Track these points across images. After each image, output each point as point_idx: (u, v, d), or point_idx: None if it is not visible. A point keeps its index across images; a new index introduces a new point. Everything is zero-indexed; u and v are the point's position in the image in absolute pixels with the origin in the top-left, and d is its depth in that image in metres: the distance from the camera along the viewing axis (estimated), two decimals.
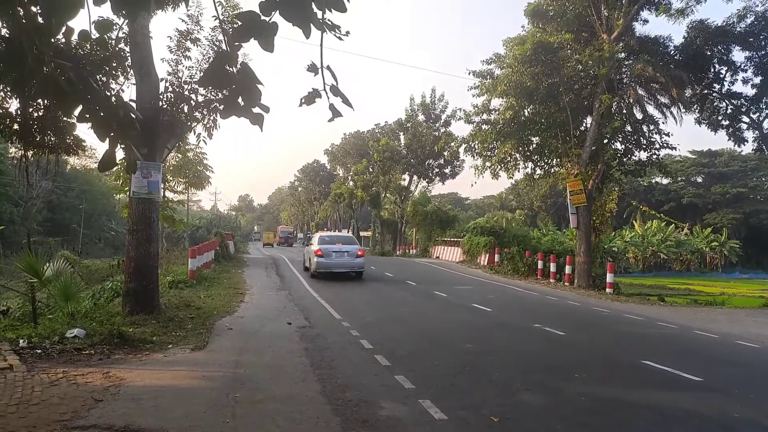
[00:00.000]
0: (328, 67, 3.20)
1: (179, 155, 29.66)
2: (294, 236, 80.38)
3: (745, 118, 22.62)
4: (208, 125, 11.11)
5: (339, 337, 9.75)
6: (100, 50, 5.27)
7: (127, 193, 12.43)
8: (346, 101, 3.22)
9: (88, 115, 3.59)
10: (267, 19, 3.37)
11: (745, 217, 66.31)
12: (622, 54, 21.80)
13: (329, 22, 3.61)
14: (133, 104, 9.77)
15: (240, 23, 3.43)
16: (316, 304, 13.87)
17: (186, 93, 10.86)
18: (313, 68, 3.20)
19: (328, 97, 3.21)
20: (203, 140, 11.58)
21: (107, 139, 3.63)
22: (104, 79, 7.19)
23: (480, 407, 6.06)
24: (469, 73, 22.89)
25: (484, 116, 23.43)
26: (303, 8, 3.46)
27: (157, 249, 10.82)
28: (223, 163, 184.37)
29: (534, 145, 23.61)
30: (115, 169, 15.21)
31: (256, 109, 3.58)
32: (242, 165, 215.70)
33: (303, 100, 3.30)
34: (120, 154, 4.44)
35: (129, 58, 10.07)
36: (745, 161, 68.45)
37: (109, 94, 4.84)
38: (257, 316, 11.80)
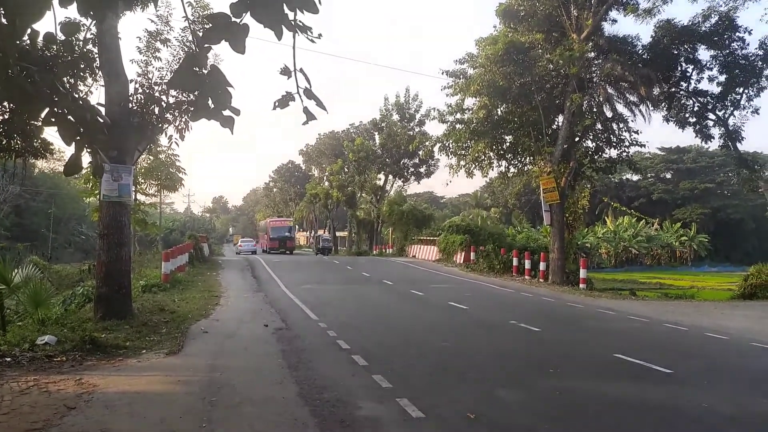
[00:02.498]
0: (301, 70, 3.19)
1: (151, 157, 29.20)
2: (293, 236, 57.05)
3: (712, 116, 23.19)
4: (179, 127, 10.97)
5: (316, 338, 9.73)
6: (66, 52, 5.17)
7: (98, 197, 12.21)
8: (320, 104, 3.22)
9: (53, 119, 3.53)
10: (238, 20, 3.34)
11: (713, 212, 67.96)
12: (592, 53, 22.16)
13: (301, 24, 3.61)
14: (102, 107, 9.62)
15: (210, 25, 3.40)
16: (292, 306, 13.80)
17: (156, 94, 10.71)
18: (286, 71, 3.19)
19: (302, 100, 3.20)
20: (175, 142, 11.44)
21: (73, 142, 3.57)
22: (72, 81, 7.05)
23: (457, 404, 6.11)
24: (442, 73, 23.07)
25: (458, 115, 23.64)
26: (274, 10, 3.45)
27: (129, 253, 10.66)
28: (196, 165, 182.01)
29: (507, 144, 23.87)
30: (84, 172, 14.92)
31: (227, 112, 3.55)
32: (216, 166, 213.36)
33: (276, 104, 3.29)
34: (87, 157, 4.38)
35: (97, 59, 9.89)
36: (712, 157, 70.15)
37: (76, 96, 4.76)
38: (233, 318, 11.69)
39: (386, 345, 9.48)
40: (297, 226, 63.14)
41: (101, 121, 3.84)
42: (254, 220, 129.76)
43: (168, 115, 10.76)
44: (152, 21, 11.54)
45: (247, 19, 3.40)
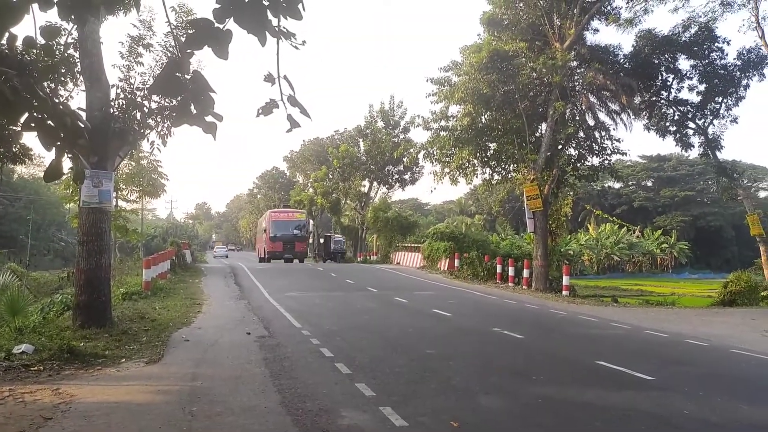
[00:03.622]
0: (285, 77, 3.17)
1: (132, 163, 28.91)
2: (305, 235, 42.78)
3: (692, 124, 23.60)
4: (162, 132, 10.85)
5: (299, 346, 9.65)
6: (47, 57, 5.09)
7: (77, 203, 12.03)
8: (303, 111, 3.20)
9: (33, 124, 3.47)
10: (221, 26, 3.32)
11: (693, 219, 68.93)
12: (574, 62, 22.42)
13: (285, 30, 3.59)
14: (83, 112, 9.49)
15: (193, 30, 3.37)
16: (276, 313, 13.69)
17: (138, 99, 10.60)
18: (270, 78, 3.17)
19: (286, 108, 3.18)
20: (157, 148, 11.32)
21: (53, 148, 3.51)
22: (52, 85, 6.96)
23: (440, 413, 6.08)
24: (427, 80, 23.16)
25: (442, 123, 23.74)
26: (258, 16, 3.43)
27: (109, 260, 10.51)
28: (179, 171, 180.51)
29: (491, 151, 24.01)
30: (63, 178, 14.70)
31: (209, 118, 3.51)
32: (199, 172, 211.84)
33: (260, 111, 3.26)
34: (68, 163, 4.31)
35: (79, 64, 9.77)
36: (692, 165, 71.20)
37: (56, 101, 4.68)
38: (215, 326, 11.56)
39: (370, 353, 9.43)
40: (311, 221, 43.90)
41: (82, 126, 3.78)
42: (237, 227, 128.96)
43: (150, 120, 10.65)
44: (134, 26, 11.45)
45: (231, 24, 3.39)
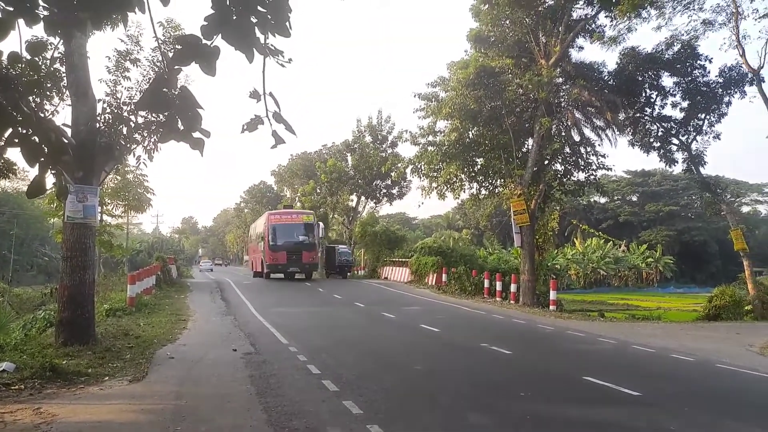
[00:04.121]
0: (271, 94, 3.17)
1: (118, 177, 28.67)
2: (314, 243, 32.52)
3: (675, 140, 23.89)
4: (148, 147, 10.79)
5: (286, 363, 9.55)
6: (32, 72, 5.05)
7: (62, 218, 11.88)
8: (289, 128, 3.19)
9: (17, 139, 3.43)
10: (209, 42, 3.32)
11: (678, 234, 69.67)
12: (560, 79, 22.69)
13: (272, 47, 3.60)
14: (68, 128, 9.41)
15: (180, 47, 3.37)
16: (262, 329, 13.57)
17: (125, 114, 10.55)
18: (255, 95, 3.17)
19: (271, 124, 3.17)
20: (143, 163, 11.24)
21: (37, 164, 3.47)
22: (37, 100, 6.90)
23: (428, 430, 6.03)
24: (414, 96, 23.33)
25: (430, 138, 23.89)
26: (246, 33, 3.44)
27: (93, 276, 10.37)
28: (165, 185, 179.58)
29: (479, 166, 24.15)
30: (47, 193, 14.54)
31: (197, 134, 3.50)
32: (186, 186, 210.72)
33: (245, 127, 3.26)
34: (51, 178, 4.26)
35: (65, 78, 9.71)
36: (676, 181, 72.15)
37: (42, 116, 4.63)
38: (200, 343, 11.42)
39: (357, 369, 9.35)
40: (320, 224, 34.96)
41: (67, 141, 3.74)
42: (224, 242, 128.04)
43: (136, 135, 10.59)
44: (122, 40, 11.42)
45: (219, 41, 3.39)
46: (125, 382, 7.99)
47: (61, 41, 8.36)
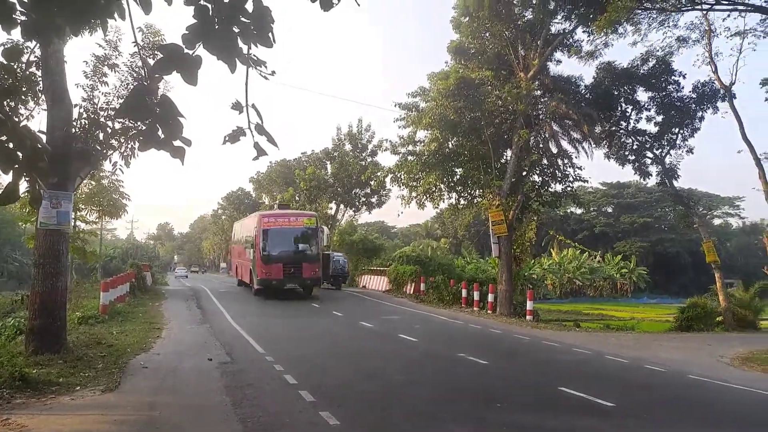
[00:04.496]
0: (253, 106, 3.16)
1: (93, 182, 28.17)
2: (316, 254, 25.41)
3: (650, 154, 24.37)
4: (125, 153, 10.65)
5: (262, 373, 9.46)
6: (7, 76, 4.97)
7: (34, 223, 11.65)
8: (271, 140, 3.19)
9: None
10: (190, 52, 3.30)
11: (652, 245, 70.94)
12: (538, 92, 23.04)
13: (255, 58, 3.59)
14: (43, 135, 9.24)
15: (162, 55, 3.34)
16: (239, 338, 13.42)
17: (102, 120, 10.40)
18: (237, 106, 3.16)
19: (253, 136, 3.16)
20: (120, 169, 11.08)
21: (11, 171, 3.41)
22: (12, 104, 6.77)
23: None
24: (395, 105, 23.46)
25: (410, 147, 24.02)
26: (228, 42, 3.43)
27: (65, 283, 10.17)
28: (141, 190, 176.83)
29: (458, 176, 24.33)
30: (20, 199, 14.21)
31: (177, 142, 3.47)
32: (162, 192, 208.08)
33: (227, 138, 3.24)
34: (25, 184, 4.18)
35: (41, 82, 9.55)
36: (651, 193, 73.53)
37: (17, 121, 4.54)
38: (175, 352, 11.26)
39: (335, 379, 9.31)
40: (324, 229, 29.42)
41: (42, 147, 3.68)
42: (201, 248, 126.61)
43: (113, 141, 10.45)
44: (100, 45, 11.28)
45: (201, 50, 3.37)
46: (97, 392, 7.83)
47: (38, 45, 8.23)
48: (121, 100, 10.70)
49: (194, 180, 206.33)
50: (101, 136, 10.36)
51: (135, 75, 10.96)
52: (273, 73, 3.26)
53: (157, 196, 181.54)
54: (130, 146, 10.58)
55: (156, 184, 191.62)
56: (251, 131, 3.15)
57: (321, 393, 7.99)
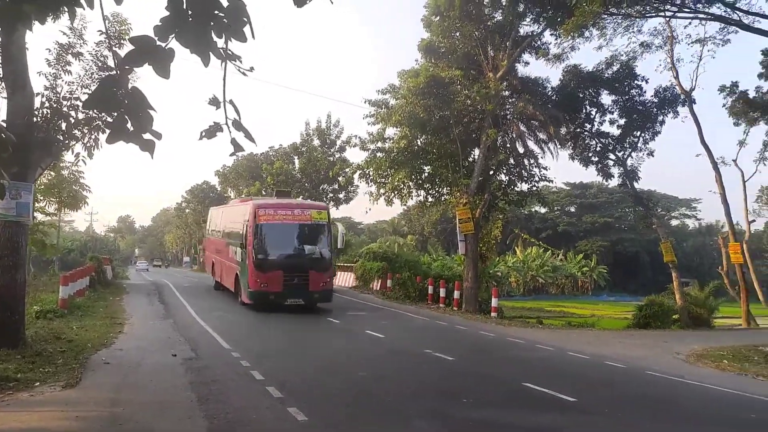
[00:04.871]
0: (231, 102, 3.14)
1: (52, 173, 27.36)
2: (328, 258, 19.17)
3: (612, 156, 25.00)
4: (88, 144, 10.36)
5: (228, 369, 9.38)
6: None
7: None
8: (248, 136, 3.17)
9: None
10: (163, 44, 3.26)
11: (612, 244, 72.74)
12: (506, 92, 23.36)
13: (230, 53, 3.56)
14: (3, 124, 8.93)
15: (134, 47, 3.29)
16: (203, 334, 13.26)
17: (65, 110, 10.10)
18: (215, 102, 3.13)
19: (230, 131, 3.14)
20: (82, 160, 10.79)
21: None
22: None
23: None
24: (365, 102, 23.45)
25: (379, 144, 24.03)
26: (201, 35, 3.39)
27: (24, 276, 9.87)
28: (102, 182, 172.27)
29: (426, 174, 24.48)
30: None
31: (147, 135, 3.42)
32: (124, 184, 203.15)
33: (203, 134, 3.21)
34: None
35: (1, 70, 9.22)
36: (612, 194, 75.36)
37: None
38: (138, 348, 11.05)
39: (302, 375, 9.30)
40: (339, 226, 21.40)
41: (6, 137, 3.59)
42: (163, 242, 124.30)
43: (76, 131, 10.16)
44: (64, 33, 10.93)
45: (174, 43, 3.33)
46: (58, 388, 7.65)
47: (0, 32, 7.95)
48: (86, 90, 10.41)
49: (157, 172, 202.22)
50: (64, 126, 10.06)
51: (101, 65, 10.66)
52: (251, 69, 3.25)
53: (118, 188, 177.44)
54: (93, 137, 10.31)
55: (117, 176, 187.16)
56: (228, 127, 3.13)
57: (288, 389, 7.97)
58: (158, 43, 3.27)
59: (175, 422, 6.35)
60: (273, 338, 13.27)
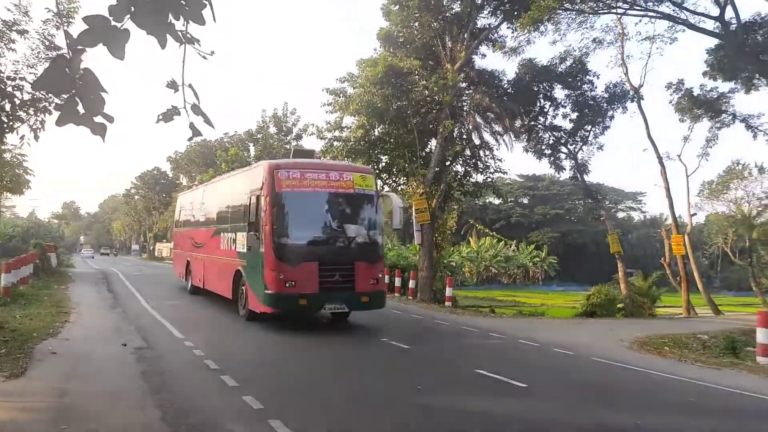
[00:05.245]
0: (190, 86, 3.08)
1: None
2: (377, 244, 13.26)
3: (564, 149, 25.63)
4: (34, 126, 9.94)
5: (181, 358, 9.24)
6: None
7: None
8: (207, 121, 3.13)
9: None
10: (118, 24, 3.17)
11: (562, 235, 74.77)
12: (464, 84, 23.59)
13: (189, 36, 3.48)
14: None
15: (87, 26, 3.19)
16: (155, 323, 12.98)
17: (9, 90, 9.64)
18: (173, 85, 3.06)
19: (188, 116, 3.09)
20: (27, 142, 10.35)
21: None
22: None
23: (330, 424, 6.12)
24: (323, 90, 23.28)
25: (336, 133, 23.94)
26: (158, 17, 3.31)
27: None
28: (46, 165, 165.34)
29: (383, 164, 24.56)
30: None
31: (99, 119, 3.33)
32: (69, 168, 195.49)
33: (160, 117, 3.14)
34: None
35: None
36: (563, 186, 77.36)
37: None
38: (86, 337, 10.74)
39: (257, 364, 9.25)
40: (394, 197, 15.28)
41: None
42: (110, 229, 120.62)
43: (21, 112, 9.71)
44: (9, 9, 10.39)
45: (130, 23, 3.24)
46: (1, 379, 7.36)
47: None
48: (32, 70, 9.97)
49: (106, 157, 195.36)
50: (8, 107, 9.61)
51: (48, 44, 10.21)
52: (212, 53, 3.19)
53: (62, 172, 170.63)
54: (40, 119, 9.88)
55: (61, 159, 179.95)
56: (187, 111, 3.08)
57: (243, 378, 7.91)
58: (113, 23, 3.18)
59: (126, 412, 6.23)
60: (228, 327, 13.14)
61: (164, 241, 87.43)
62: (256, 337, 11.95)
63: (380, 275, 13.51)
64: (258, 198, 12.67)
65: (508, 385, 8.33)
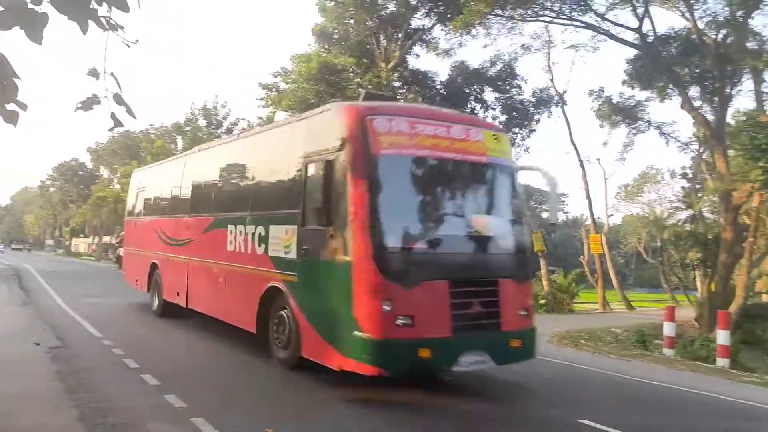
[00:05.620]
0: (113, 74, 3.00)
1: None
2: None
3: None
4: None
5: (99, 357, 8.87)
6: None
7: None
8: (129, 111, 3.05)
9: None
10: (36, 8, 3.07)
11: None
12: (397, 83, 23.87)
13: (113, 22, 3.38)
14: None
15: (2, 8, 3.06)
16: (71, 322, 12.37)
17: None
18: (94, 73, 2.97)
19: (110, 105, 3.01)
20: None
21: None
22: None
23: (256, 421, 6.08)
24: (258, 85, 22.95)
25: None
26: (79, 1, 3.21)
27: None
28: None
29: None
30: None
31: (11, 106, 3.22)
32: None
33: (79, 105, 3.04)
34: None
35: None
36: None
37: None
38: None
39: (180, 362, 9.02)
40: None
41: None
42: (23, 223, 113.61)
43: None
44: None
45: (49, 7, 3.12)
46: None
47: None
48: None
49: (19, 147, 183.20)
50: None
51: None
52: (136, 41, 3.12)
53: None
54: None
55: None
56: (108, 100, 3.00)
57: (165, 376, 7.69)
58: (30, 6, 3.09)
59: (40, 413, 5.93)
60: (150, 325, 12.71)
61: (81, 236, 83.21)
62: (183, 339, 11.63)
63: (532, 302, 8.41)
64: (331, 166, 7.05)
65: (439, 382, 8.51)
